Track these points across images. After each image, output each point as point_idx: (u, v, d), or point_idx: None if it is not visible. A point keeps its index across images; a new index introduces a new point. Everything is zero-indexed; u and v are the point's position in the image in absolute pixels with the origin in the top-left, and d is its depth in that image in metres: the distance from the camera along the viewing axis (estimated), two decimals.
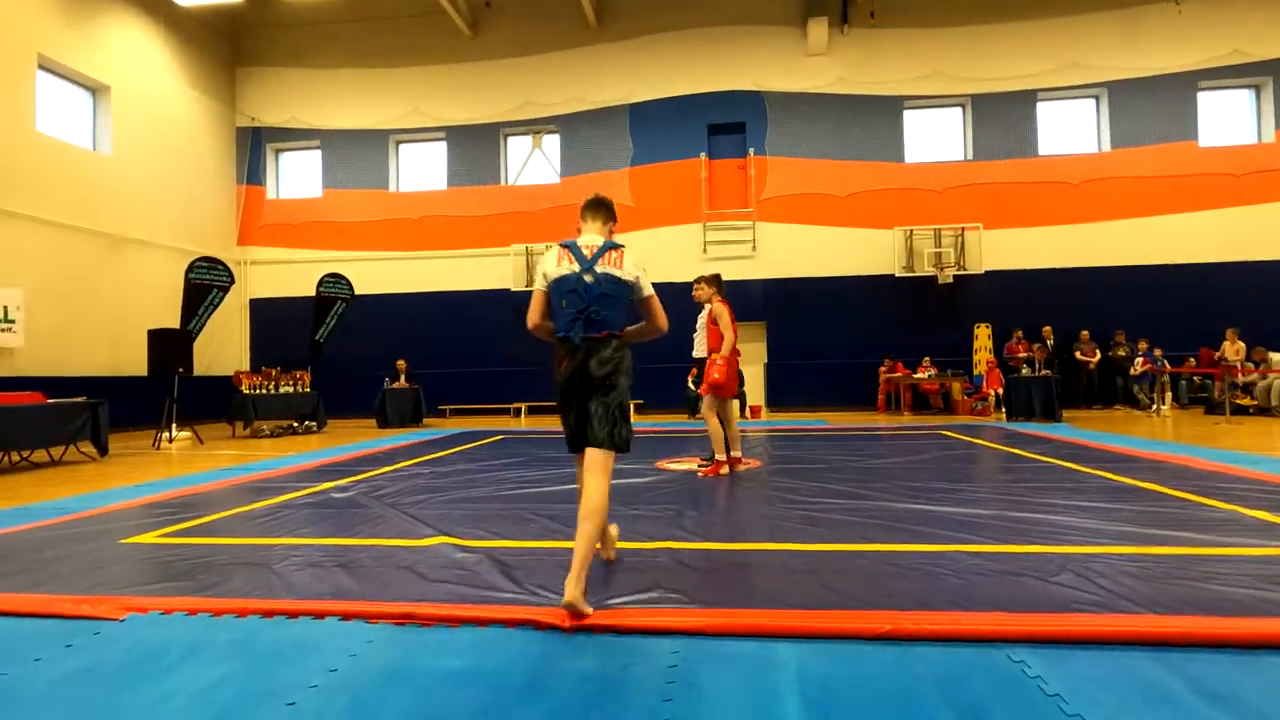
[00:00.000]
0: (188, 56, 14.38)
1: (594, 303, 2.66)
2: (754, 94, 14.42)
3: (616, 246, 2.79)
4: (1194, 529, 3.42)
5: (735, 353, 5.69)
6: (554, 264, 2.75)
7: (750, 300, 13.97)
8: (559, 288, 2.71)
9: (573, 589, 2.30)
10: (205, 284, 10.84)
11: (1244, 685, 1.79)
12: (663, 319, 2.84)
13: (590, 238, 2.82)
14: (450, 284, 15.06)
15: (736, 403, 5.88)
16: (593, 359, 2.65)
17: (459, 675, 1.95)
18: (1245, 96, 13.69)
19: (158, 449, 8.96)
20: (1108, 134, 13.72)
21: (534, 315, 2.82)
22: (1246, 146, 13.37)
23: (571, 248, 2.76)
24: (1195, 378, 12.56)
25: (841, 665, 1.96)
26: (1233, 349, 11.45)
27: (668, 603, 2.47)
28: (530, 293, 2.89)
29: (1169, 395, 11.69)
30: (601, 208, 2.94)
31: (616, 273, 2.71)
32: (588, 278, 2.67)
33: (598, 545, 2.79)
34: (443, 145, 15.50)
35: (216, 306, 11.14)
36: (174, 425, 9.70)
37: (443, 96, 15.26)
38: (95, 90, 12.57)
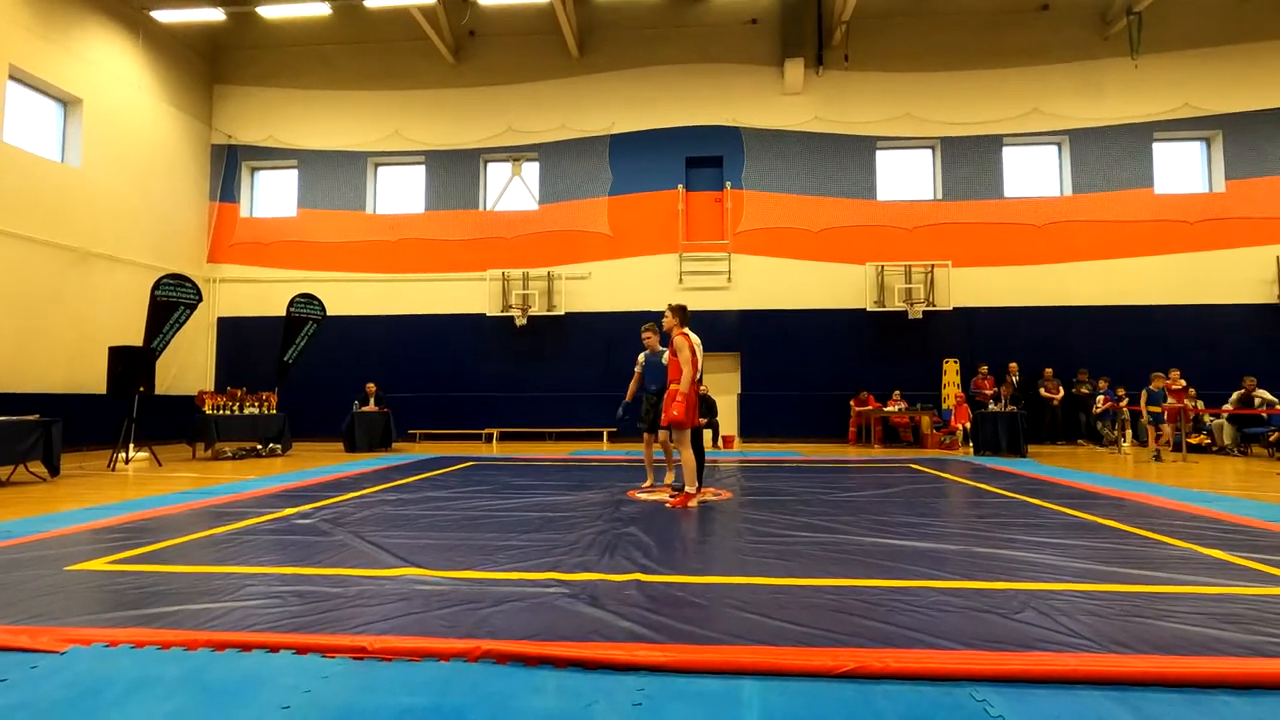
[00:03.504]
0: (165, 72, 14.28)
1: (659, 373, 6.31)
2: (732, 129, 14.75)
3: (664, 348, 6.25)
4: (1152, 566, 3.49)
5: (695, 384, 5.70)
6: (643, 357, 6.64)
7: (725, 331, 14.12)
8: (646, 366, 6.59)
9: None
10: (172, 301, 10.61)
11: None
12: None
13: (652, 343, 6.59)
14: (424, 307, 14.97)
15: (698, 431, 6.01)
16: (661, 396, 6.04)
17: (417, 713, 1.89)
18: (1197, 148, 14.38)
19: (113, 470, 8.66)
20: (1069, 179, 14.28)
21: (635, 378, 6.70)
22: (1199, 195, 14.01)
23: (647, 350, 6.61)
24: (1163, 415, 12.89)
25: (806, 703, 1.95)
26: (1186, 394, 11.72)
27: (635, 637, 2.44)
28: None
29: (1129, 432, 12.00)
30: (659, 326, 6.27)
31: (664, 361, 6.11)
32: (655, 362, 6.49)
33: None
34: (422, 169, 15.53)
35: (182, 324, 10.90)
36: (131, 445, 9.39)
37: (424, 120, 15.33)
38: (67, 103, 12.39)
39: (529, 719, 1.86)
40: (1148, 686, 2.03)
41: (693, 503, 5.61)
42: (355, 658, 2.27)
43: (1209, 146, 14.27)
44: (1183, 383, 11.30)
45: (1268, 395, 11.13)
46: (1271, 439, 10.49)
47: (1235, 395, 11.40)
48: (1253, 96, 13.78)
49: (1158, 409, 10.11)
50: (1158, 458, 9.80)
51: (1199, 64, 13.94)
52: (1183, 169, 14.38)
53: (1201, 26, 13.94)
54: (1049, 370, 13.29)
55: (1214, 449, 11.29)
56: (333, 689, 2.04)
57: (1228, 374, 12.27)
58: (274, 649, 2.33)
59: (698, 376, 5.77)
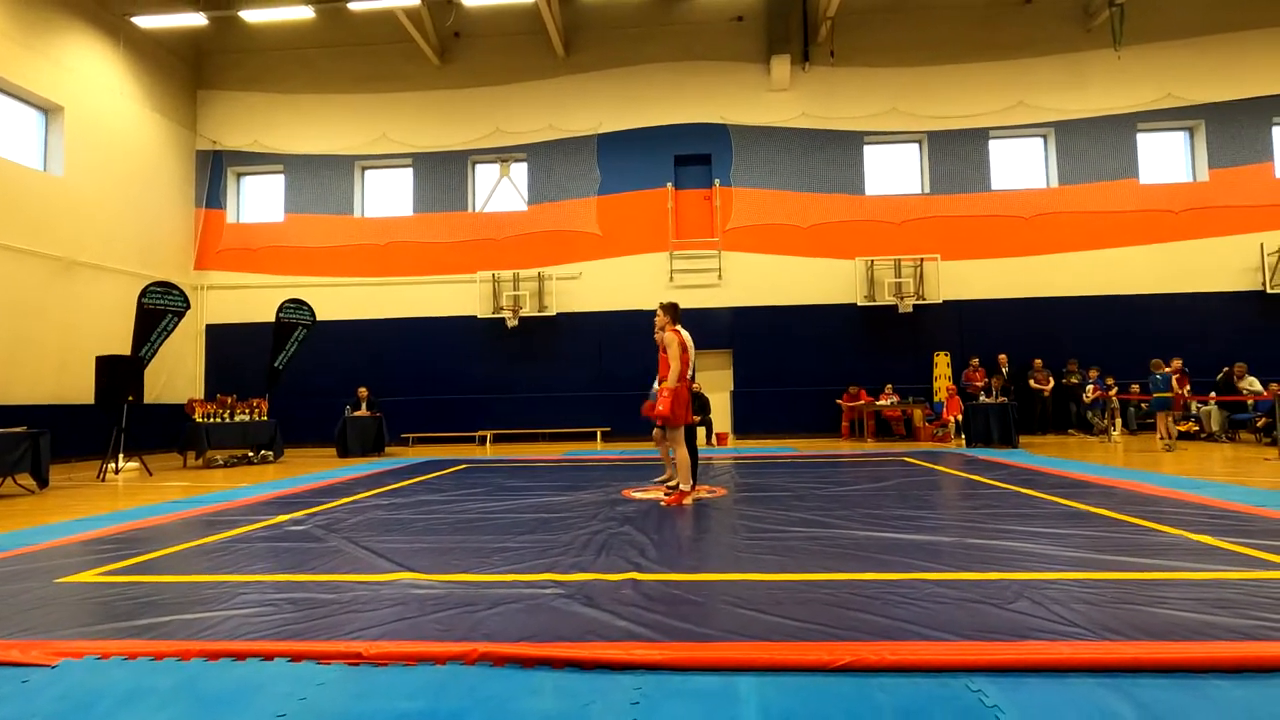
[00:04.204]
0: (147, 78, 14.15)
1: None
2: (719, 127, 14.76)
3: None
4: (1143, 554, 3.52)
5: (688, 381, 5.71)
6: None
7: (716, 328, 14.13)
8: None
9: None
10: (159, 309, 10.52)
11: (1191, 709, 1.83)
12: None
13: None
14: (415, 310, 14.91)
15: (692, 429, 5.99)
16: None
17: (413, 718, 1.89)
18: (1180, 138, 14.50)
19: (103, 481, 8.58)
20: (1055, 170, 14.37)
21: None
22: (1183, 184, 14.13)
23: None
24: (1143, 404, 13.04)
25: (803, 698, 1.95)
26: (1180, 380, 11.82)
27: (631, 636, 2.44)
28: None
29: (1119, 421, 12.10)
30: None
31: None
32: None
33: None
34: (409, 171, 15.47)
35: (170, 332, 10.82)
36: (121, 456, 9.32)
37: (410, 123, 15.27)
38: (48, 111, 12.26)
39: None
40: (1140, 673, 2.05)
41: (687, 500, 5.61)
42: (350, 664, 2.25)
43: (1192, 136, 14.40)
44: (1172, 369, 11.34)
45: (1255, 385, 11.25)
46: (1258, 424, 10.60)
47: (1220, 374, 11.52)
48: (1234, 86, 13.91)
49: (1166, 395, 9.92)
50: (1170, 448, 9.59)
51: (1181, 54, 14.06)
52: (1167, 159, 14.50)
53: (1182, 17, 14.06)
54: (1038, 361, 13.37)
55: (1202, 435, 11.40)
56: (328, 696, 2.03)
57: (1214, 362, 12.40)
58: (268, 657, 2.32)
59: (690, 373, 5.79)
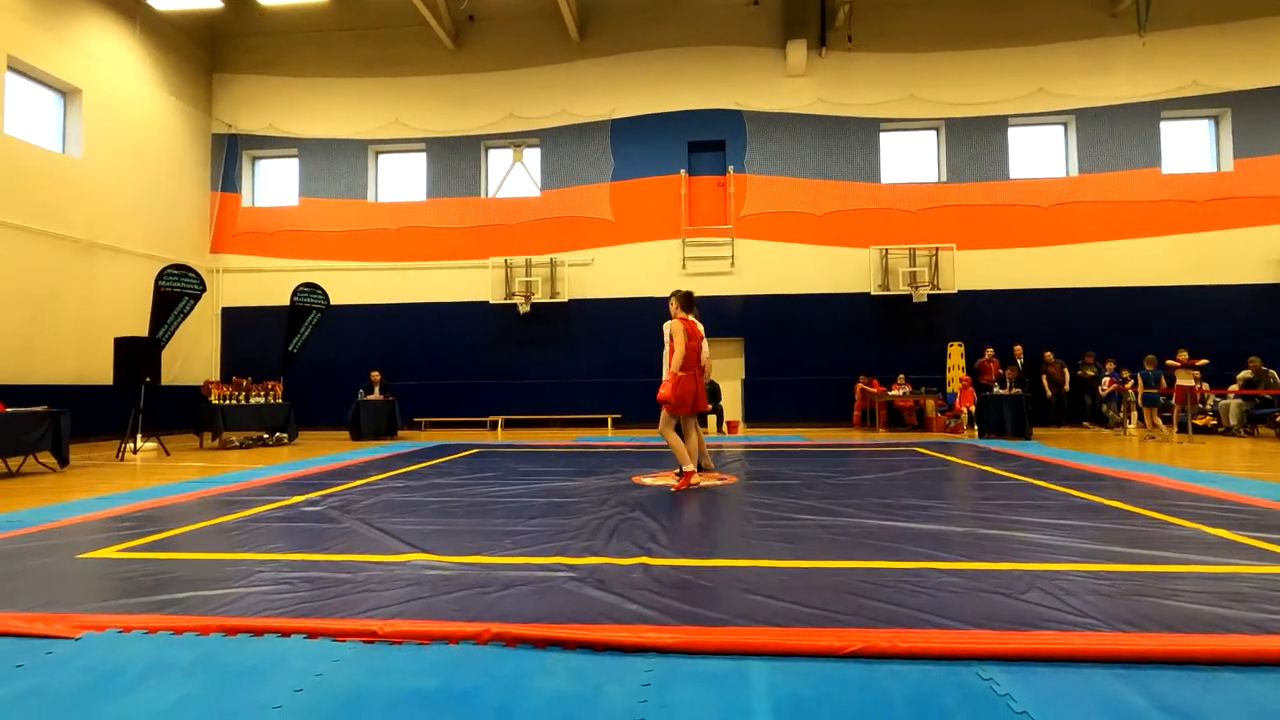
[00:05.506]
0: (164, 61, 14.20)
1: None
2: (734, 113, 14.62)
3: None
4: (1158, 546, 3.49)
5: (699, 369, 5.76)
6: None
7: (728, 316, 14.09)
8: None
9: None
10: (176, 292, 10.63)
11: (1205, 702, 1.83)
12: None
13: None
14: (428, 295, 14.96)
15: (703, 417, 6.11)
16: None
17: (427, 696, 1.91)
18: (1205, 127, 14.20)
19: (121, 460, 8.73)
20: (1076, 159, 14.13)
21: None
22: (1206, 174, 13.85)
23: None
24: (1160, 397, 12.87)
25: (813, 684, 1.96)
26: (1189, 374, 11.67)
27: (642, 619, 2.45)
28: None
29: (1134, 414, 11.96)
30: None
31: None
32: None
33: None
34: (423, 156, 15.47)
35: (187, 315, 10.93)
36: (139, 436, 9.46)
37: (424, 107, 15.24)
38: (67, 93, 12.35)
39: (539, 700, 1.88)
40: (1153, 664, 2.04)
41: (695, 479, 5.64)
42: (366, 641, 2.29)
43: (1217, 125, 14.10)
44: (1179, 362, 11.23)
45: (1277, 378, 11.08)
46: (1278, 419, 10.45)
47: (1243, 375, 11.34)
48: (1262, 73, 13.58)
49: (1153, 390, 10.37)
50: (1151, 437, 10.02)
51: (1208, 41, 13.74)
52: (1190, 148, 14.22)
53: (1210, 2, 13.72)
54: (1049, 354, 13.23)
55: (1220, 430, 11.26)
56: (344, 672, 2.07)
57: (1235, 355, 12.19)
58: (285, 633, 2.36)
59: (702, 362, 5.84)
